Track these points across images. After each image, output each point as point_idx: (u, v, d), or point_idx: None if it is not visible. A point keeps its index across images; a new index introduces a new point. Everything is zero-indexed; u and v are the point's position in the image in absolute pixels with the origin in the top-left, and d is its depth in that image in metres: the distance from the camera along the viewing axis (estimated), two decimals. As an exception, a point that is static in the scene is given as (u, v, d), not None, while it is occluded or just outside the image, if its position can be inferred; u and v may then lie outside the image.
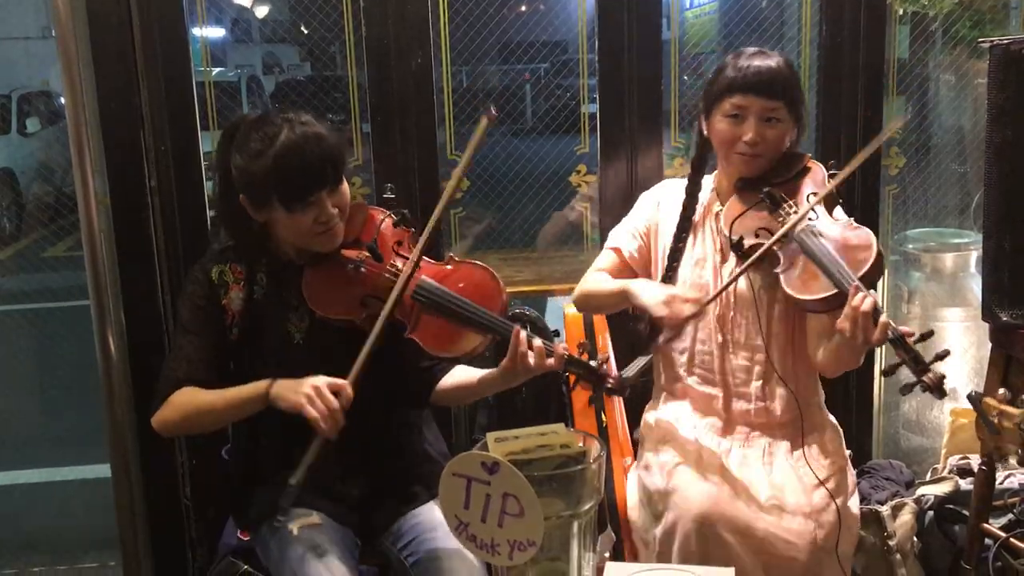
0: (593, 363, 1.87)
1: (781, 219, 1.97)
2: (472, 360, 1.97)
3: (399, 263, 1.89)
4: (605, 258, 2.23)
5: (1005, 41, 2.17)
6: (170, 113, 2.58)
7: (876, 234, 2.91)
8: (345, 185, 1.89)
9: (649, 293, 2.00)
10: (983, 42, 2.29)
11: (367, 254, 1.90)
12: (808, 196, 2.01)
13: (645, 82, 2.78)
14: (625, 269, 2.22)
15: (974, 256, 3.18)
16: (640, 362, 2.09)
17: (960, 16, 3.25)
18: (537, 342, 1.78)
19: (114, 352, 2.48)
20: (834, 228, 1.96)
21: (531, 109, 4.36)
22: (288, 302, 1.93)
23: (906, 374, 1.76)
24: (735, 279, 1.99)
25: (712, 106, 2.05)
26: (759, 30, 3.17)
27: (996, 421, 1.59)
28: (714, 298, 2.01)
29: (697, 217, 2.16)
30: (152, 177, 2.59)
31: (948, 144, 3.42)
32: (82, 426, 3.95)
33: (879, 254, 1.88)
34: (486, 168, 3.12)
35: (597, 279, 2.18)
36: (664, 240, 2.19)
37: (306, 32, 3.06)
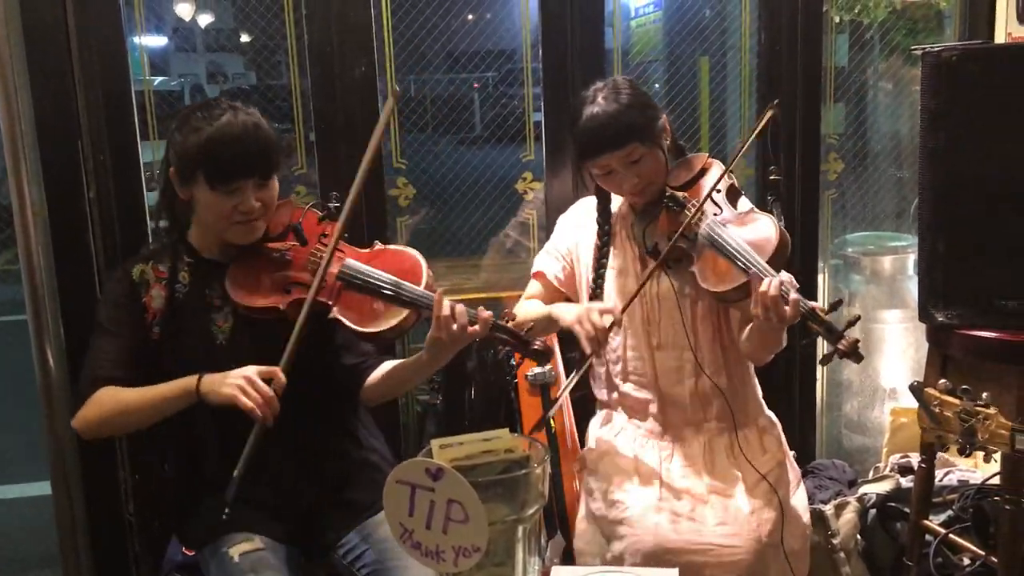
0: (516, 328, 1.86)
1: (685, 218, 2.03)
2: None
3: (324, 251, 1.89)
4: (532, 287, 2.28)
5: (937, 49, 2.23)
6: (109, 123, 2.53)
7: (815, 238, 2.99)
8: (274, 183, 1.89)
9: (566, 313, 2.08)
10: (916, 50, 2.35)
11: (292, 241, 1.91)
12: (710, 192, 2.06)
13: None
14: (554, 292, 2.27)
15: (911, 259, 3.25)
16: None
17: (895, 24, 3.33)
18: (460, 307, 1.78)
19: (53, 367, 2.43)
20: (737, 219, 2.03)
21: (479, 117, 4.37)
22: (211, 302, 1.92)
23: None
24: (644, 283, 2.05)
25: (579, 164, 2.11)
26: (701, 37, 3.21)
27: (937, 411, 1.63)
28: (628, 304, 2.04)
29: (613, 231, 2.21)
30: (91, 188, 2.54)
31: (886, 149, 3.50)
32: (20, 444, 3.86)
33: (781, 235, 1.94)
34: (432, 176, 3.12)
35: (527, 307, 2.22)
36: (586, 258, 2.23)
37: (250, 41, 3.03)
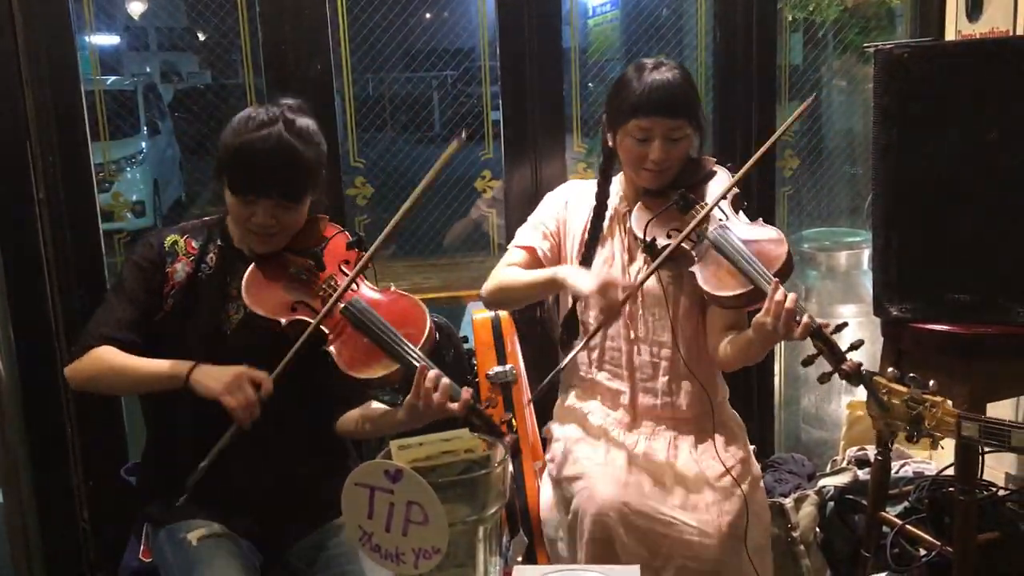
0: (492, 417, 1.83)
1: (692, 220, 2.02)
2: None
3: (339, 279, 1.89)
4: (515, 255, 2.23)
5: (889, 46, 2.26)
6: (58, 123, 2.49)
7: (772, 234, 3.01)
8: (300, 207, 1.88)
9: (583, 280, 2.01)
10: (869, 47, 2.38)
11: (311, 262, 1.91)
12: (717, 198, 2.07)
13: (547, 89, 2.81)
14: (536, 266, 2.23)
15: (866, 254, 3.29)
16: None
17: (848, 23, 3.37)
18: (444, 382, 1.77)
19: (3, 372, 2.38)
20: (745, 227, 2.03)
21: (438, 116, 4.36)
22: (228, 291, 1.92)
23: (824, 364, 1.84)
24: (655, 269, 2.01)
25: (617, 124, 2.08)
26: (658, 36, 3.23)
27: (885, 399, 1.65)
28: (640, 284, 2.03)
29: (606, 221, 2.19)
30: (40, 189, 2.49)
31: (840, 146, 3.54)
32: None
33: (789, 251, 1.96)
34: (391, 175, 3.11)
35: (512, 272, 2.18)
36: (572, 240, 2.21)
37: (204, 39, 2.99)
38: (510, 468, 1.66)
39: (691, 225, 1.98)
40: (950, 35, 2.94)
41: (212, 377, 1.76)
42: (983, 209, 2.20)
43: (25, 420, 2.50)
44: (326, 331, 1.83)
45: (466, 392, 1.77)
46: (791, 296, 1.82)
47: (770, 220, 3.00)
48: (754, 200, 2.94)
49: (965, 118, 2.20)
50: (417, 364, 1.77)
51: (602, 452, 2.11)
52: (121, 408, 2.69)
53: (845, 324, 1.87)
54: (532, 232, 2.25)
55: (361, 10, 2.81)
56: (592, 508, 1.99)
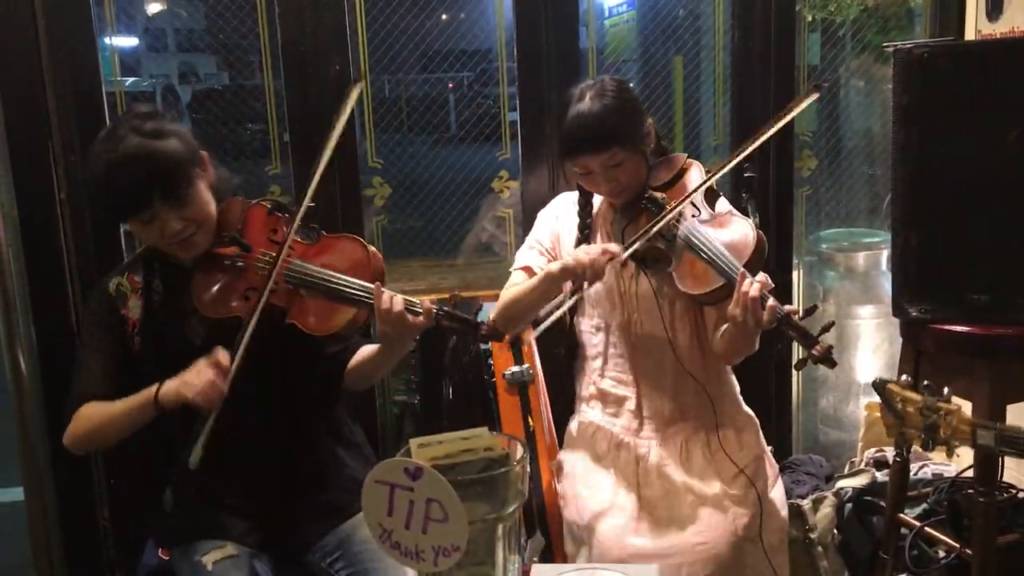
0: (462, 313, 1.85)
1: (663, 220, 2.02)
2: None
3: (272, 251, 1.87)
4: (516, 277, 2.26)
5: (908, 45, 2.25)
6: (80, 123, 2.51)
7: (790, 235, 3.01)
8: (199, 195, 1.84)
9: (565, 257, 2.05)
10: (888, 47, 2.37)
11: (235, 247, 1.89)
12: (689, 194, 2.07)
13: (564, 90, 2.78)
14: None
15: (885, 255, 3.28)
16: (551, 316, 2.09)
17: (867, 22, 3.35)
18: (399, 297, 1.77)
19: (25, 371, 2.40)
20: (714, 222, 2.04)
21: (455, 117, 4.36)
22: (184, 307, 1.91)
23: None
24: (625, 254, 2.00)
25: (561, 162, 2.10)
26: (675, 37, 3.22)
27: (900, 407, 1.65)
28: (629, 247, 2.01)
29: (594, 227, 2.21)
30: (61, 189, 2.51)
31: (858, 146, 3.52)
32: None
33: (759, 239, 1.96)
34: (408, 175, 3.11)
35: (514, 288, 2.20)
36: (566, 252, 2.22)
37: (222, 41, 3.01)
38: (528, 467, 1.66)
39: (649, 226, 1.97)
40: (970, 35, 2.93)
41: (173, 384, 1.76)
42: (1003, 209, 2.19)
43: (47, 419, 2.52)
44: (281, 305, 1.83)
45: (426, 301, 1.77)
46: (755, 286, 1.83)
47: (788, 220, 3.00)
48: (772, 200, 2.94)
49: (985, 118, 2.18)
50: (369, 297, 1.77)
51: (610, 488, 2.11)
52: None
53: (815, 307, 1.87)
54: (528, 252, 2.27)
55: (379, 12, 2.83)
56: (608, 559, 2.01)
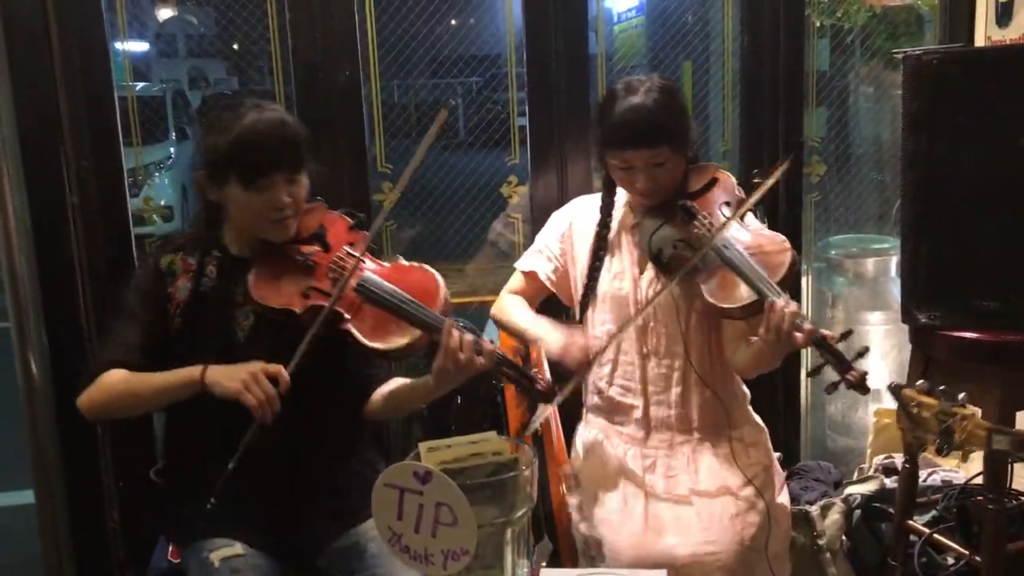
0: (523, 366, 1.89)
1: (697, 229, 2.01)
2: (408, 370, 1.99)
3: (346, 260, 1.89)
4: (516, 281, 2.26)
5: (918, 52, 2.25)
6: (92, 128, 2.52)
7: (799, 241, 3.01)
8: (304, 179, 1.90)
9: (552, 339, 2.08)
10: (897, 53, 2.37)
11: (316, 245, 1.91)
12: (720, 205, 2.06)
13: (573, 95, 2.82)
14: (541, 291, 2.27)
15: (894, 261, 3.27)
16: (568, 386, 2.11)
17: (876, 28, 3.36)
18: (468, 337, 1.78)
19: (36, 374, 2.41)
20: (748, 236, 2.02)
21: (463, 122, 4.38)
22: (234, 298, 1.92)
23: (831, 374, 1.82)
24: (656, 297, 2.04)
25: (601, 153, 2.09)
26: (684, 43, 3.23)
27: (915, 411, 1.64)
28: (649, 304, 2.04)
29: (613, 233, 2.20)
30: (73, 194, 2.52)
31: (868, 153, 3.52)
32: (2, 452, 3.82)
33: (794, 258, 1.94)
34: (418, 181, 3.12)
35: (512, 305, 2.22)
36: (580, 258, 2.22)
37: (234, 47, 3.03)
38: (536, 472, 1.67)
39: (697, 256, 1.97)
40: (979, 41, 2.92)
41: (227, 376, 1.76)
42: (1012, 216, 2.19)
43: (57, 421, 2.53)
44: (342, 311, 1.84)
45: (489, 344, 1.79)
46: (790, 306, 1.81)
47: (797, 226, 3.00)
48: (781, 206, 2.94)
49: (994, 124, 2.18)
50: (439, 327, 1.78)
51: (619, 499, 2.11)
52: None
53: (850, 332, 1.85)
54: (536, 256, 2.26)
55: (389, 18, 2.84)
56: (618, 567, 2.01)
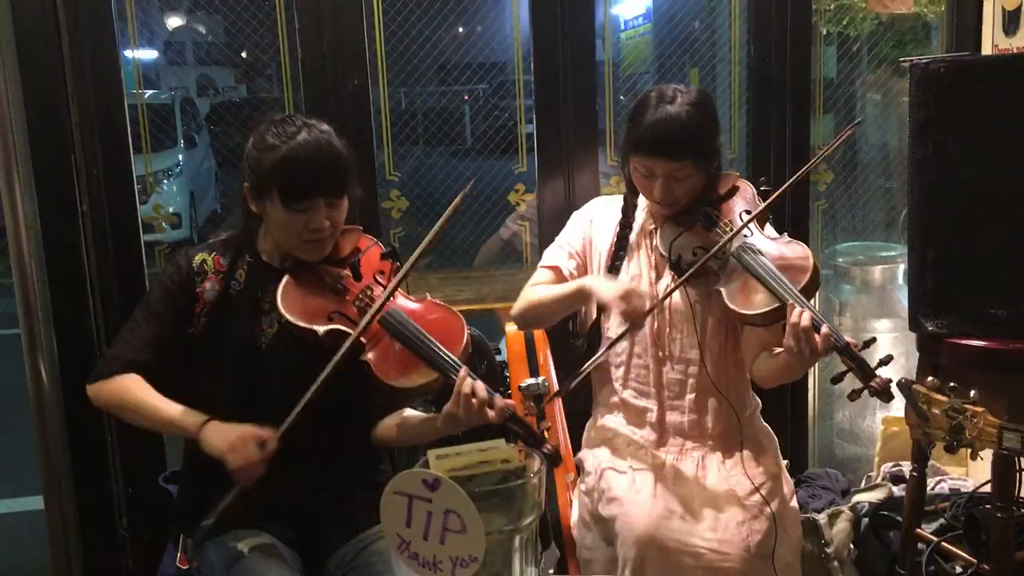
0: (531, 425, 1.85)
1: (717, 236, 2.02)
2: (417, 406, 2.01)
3: (375, 289, 1.91)
4: (541, 275, 2.24)
5: (924, 60, 2.26)
6: (102, 136, 2.54)
7: (806, 248, 3.01)
8: (344, 203, 1.90)
9: (607, 288, 2.00)
10: (904, 62, 2.38)
11: (348, 272, 1.92)
12: (741, 214, 2.06)
13: (580, 102, 2.82)
14: None
15: (901, 268, 3.27)
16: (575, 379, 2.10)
17: (883, 36, 3.36)
18: (481, 387, 1.77)
19: (46, 381, 2.43)
20: (771, 244, 2.02)
21: (470, 130, 4.39)
22: (260, 305, 1.93)
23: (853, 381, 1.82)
24: (679, 286, 2.01)
25: (625, 152, 2.09)
26: (692, 50, 3.24)
27: (925, 408, 1.64)
28: (664, 298, 2.03)
29: (633, 237, 2.20)
30: (83, 201, 2.54)
31: (875, 160, 3.53)
32: (12, 458, 3.84)
33: (816, 267, 1.94)
34: (425, 188, 3.14)
35: (540, 289, 2.18)
36: (599, 257, 2.22)
37: (242, 55, 3.04)
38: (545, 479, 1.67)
39: (711, 253, 1.97)
40: (986, 49, 2.93)
41: (218, 436, 1.78)
42: (1019, 224, 2.19)
43: (67, 429, 2.54)
44: (363, 341, 1.84)
45: (501, 400, 1.78)
46: (806, 314, 1.81)
47: (804, 234, 3.00)
48: (788, 214, 2.94)
49: (1001, 132, 2.19)
50: (456, 373, 1.79)
51: (628, 481, 2.10)
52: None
53: (874, 340, 1.85)
54: (558, 252, 2.25)
55: (398, 26, 2.85)
56: (628, 536, 2.00)
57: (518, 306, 2.19)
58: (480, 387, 1.77)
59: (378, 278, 1.94)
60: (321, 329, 1.85)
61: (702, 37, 3.24)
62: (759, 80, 2.93)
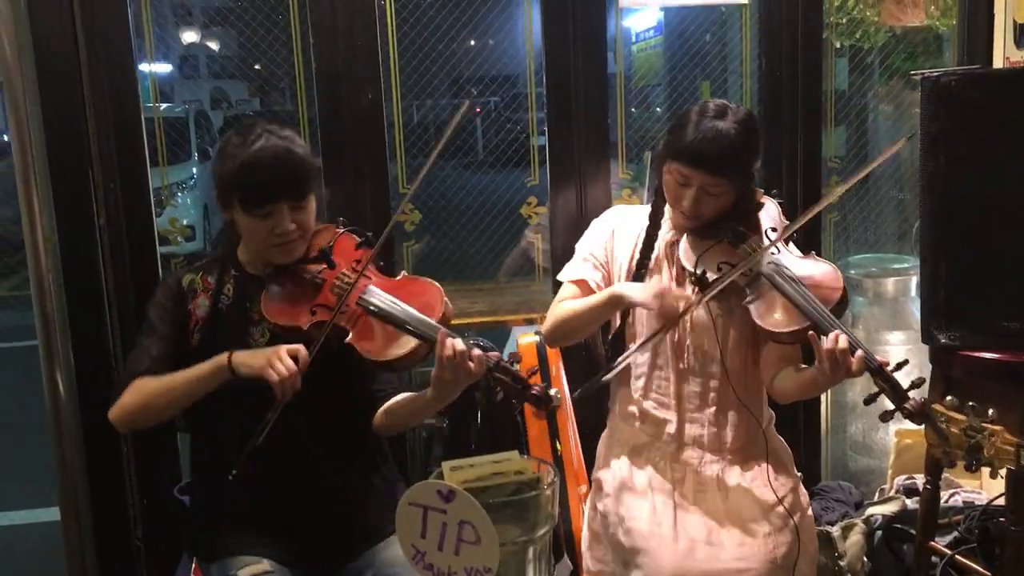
0: (516, 368, 1.87)
1: (745, 254, 2.01)
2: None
3: (351, 276, 1.94)
4: (568, 291, 2.22)
5: (936, 74, 2.26)
6: (119, 149, 2.56)
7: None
8: (310, 205, 1.94)
9: (640, 290, 2.03)
10: (915, 75, 2.38)
11: (323, 265, 1.96)
12: (767, 230, 2.06)
13: (592, 115, 2.83)
14: None
15: (914, 280, 3.26)
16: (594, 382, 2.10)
17: (895, 48, 3.36)
18: (460, 345, 1.80)
19: (63, 392, 2.44)
20: (800, 264, 2.02)
21: (482, 142, 4.41)
22: (250, 316, 1.97)
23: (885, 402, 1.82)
24: (707, 298, 2.00)
25: (664, 157, 2.08)
26: (703, 63, 3.25)
27: (943, 427, 1.64)
28: (696, 305, 2.02)
29: (657, 250, 2.19)
30: (101, 214, 2.56)
31: (887, 171, 3.52)
32: (28, 469, 3.87)
33: (844, 287, 1.95)
34: (438, 200, 3.15)
35: (569, 304, 2.17)
36: (619, 267, 2.21)
37: (256, 68, 3.07)
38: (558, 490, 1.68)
39: (738, 269, 1.96)
40: (998, 62, 2.93)
41: (251, 356, 1.82)
42: (1033, 236, 2.19)
43: (83, 440, 2.56)
44: (344, 325, 1.88)
45: (482, 351, 1.80)
46: (843, 337, 1.81)
47: (816, 246, 3.00)
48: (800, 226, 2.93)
49: (1013, 145, 2.19)
50: (434, 336, 1.81)
51: (648, 509, 2.09)
52: (175, 428, 2.75)
53: (906, 361, 1.84)
54: (582, 264, 2.23)
55: (411, 41, 2.87)
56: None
57: (548, 324, 2.18)
58: (459, 342, 1.80)
59: (355, 266, 1.97)
60: (305, 324, 1.89)
61: (713, 50, 3.25)
62: (770, 93, 2.93)
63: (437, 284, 1.96)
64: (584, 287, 2.20)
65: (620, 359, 2.11)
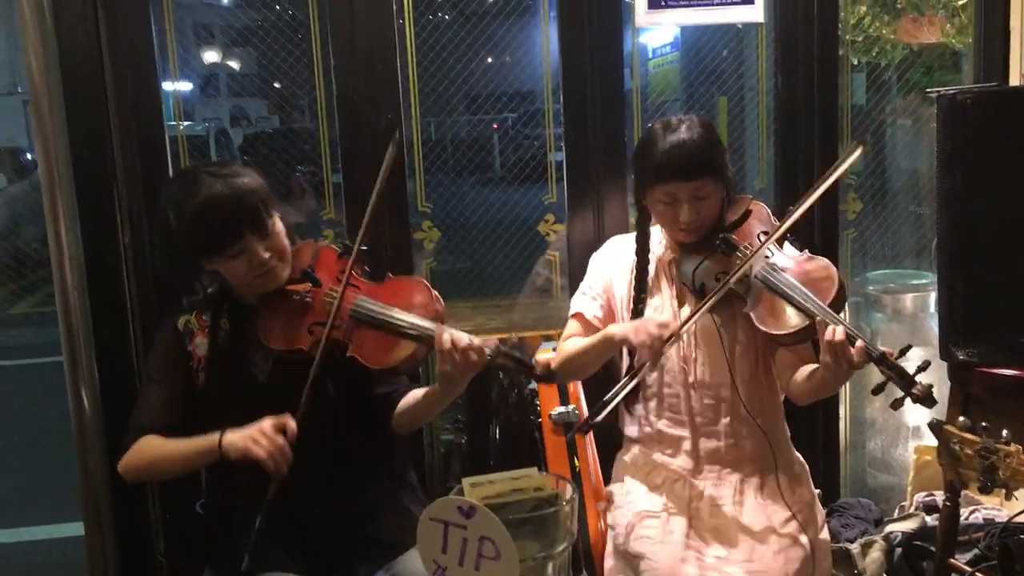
0: (518, 354, 1.91)
1: (739, 260, 2.04)
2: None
3: (338, 289, 1.96)
4: (571, 327, 2.29)
5: (952, 91, 2.27)
6: (143, 168, 2.59)
7: (836, 277, 3.00)
8: (277, 227, 1.96)
9: (622, 327, 2.09)
10: (931, 92, 2.39)
11: (307, 282, 1.98)
12: (759, 235, 2.09)
13: (609, 131, 2.85)
14: (591, 331, 2.27)
15: (932, 296, 3.25)
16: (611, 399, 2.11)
17: (912, 64, 3.36)
18: (458, 337, 1.83)
19: (88, 408, 2.47)
20: (793, 262, 2.05)
21: (499, 159, 4.43)
22: (250, 344, 1.99)
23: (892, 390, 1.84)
24: (697, 314, 2.03)
25: (643, 187, 2.13)
26: (720, 80, 3.26)
27: (957, 448, 1.64)
28: (683, 325, 2.04)
29: (652, 270, 2.23)
30: (125, 232, 2.60)
31: (905, 187, 3.52)
32: (49, 484, 3.90)
33: (841, 280, 1.97)
34: (456, 218, 3.17)
35: (571, 343, 2.23)
36: (620, 295, 2.25)
37: (274, 87, 3.11)
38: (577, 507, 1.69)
39: (734, 275, 1.99)
40: (1014, 80, 2.93)
41: (238, 436, 1.83)
42: (1051, 253, 2.18)
43: (107, 455, 2.58)
44: (341, 339, 1.91)
45: (476, 340, 1.83)
46: (839, 329, 1.84)
47: (834, 262, 2.99)
48: (817, 242, 2.94)
49: (1030, 161, 2.19)
50: (431, 334, 1.83)
51: (660, 523, 2.10)
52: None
53: (909, 347, 1.85)
54: (581, 299, 2.30)
55: (430, 61, 2.90)
56: None
57: (557, 360, 2.24)
58: (458, 335, 1.82)
59: (340, 277, 1.99)
60: (306, 345, 1.92)
61: (731, 67, 3.26)
62: (787, 109, 2.94)
63: (423, 282, 2.00)
64: (582, 320, 2.26)
65: (611, 394, 2.11)
